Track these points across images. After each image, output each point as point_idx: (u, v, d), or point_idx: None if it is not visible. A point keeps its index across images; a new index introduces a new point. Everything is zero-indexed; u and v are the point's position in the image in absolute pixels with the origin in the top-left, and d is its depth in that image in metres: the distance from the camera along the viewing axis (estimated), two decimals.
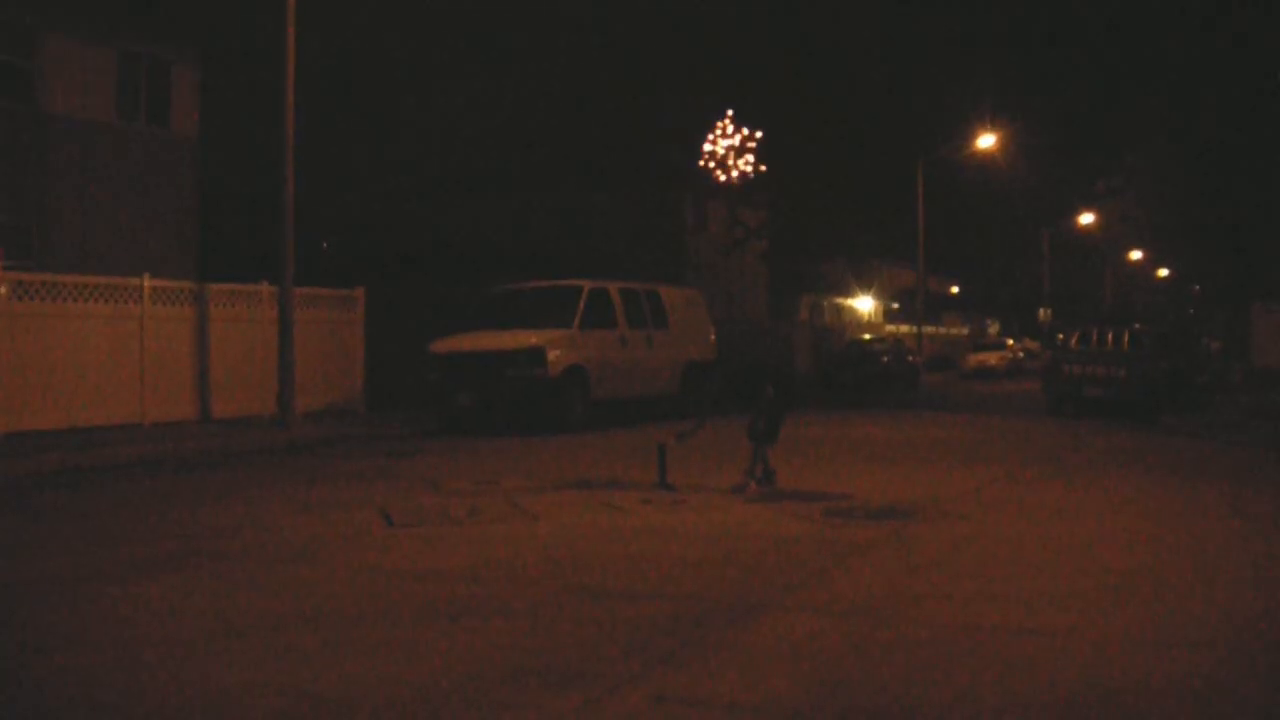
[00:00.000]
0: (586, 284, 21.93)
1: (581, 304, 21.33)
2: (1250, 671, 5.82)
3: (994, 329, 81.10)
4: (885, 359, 39.96)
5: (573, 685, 5.42)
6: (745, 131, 36.53)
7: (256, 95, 22.27)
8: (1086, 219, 69.45)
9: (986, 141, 45.89)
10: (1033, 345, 68.40)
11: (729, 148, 36.48)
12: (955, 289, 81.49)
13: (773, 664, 5.81)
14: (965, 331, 71.99)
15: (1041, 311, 70.33)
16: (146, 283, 20.08)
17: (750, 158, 36.58)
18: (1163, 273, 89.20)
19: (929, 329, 55.68)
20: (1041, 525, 10.13)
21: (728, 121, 36.52)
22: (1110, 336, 26.71)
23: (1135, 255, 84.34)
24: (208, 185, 26.29)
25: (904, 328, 57.16)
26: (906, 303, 59.98)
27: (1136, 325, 28.20)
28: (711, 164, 36.50)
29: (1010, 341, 62.20)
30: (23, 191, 22.95)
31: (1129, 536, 9.53)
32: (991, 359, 54.22)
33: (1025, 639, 6.30)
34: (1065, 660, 5.87)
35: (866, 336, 47.17)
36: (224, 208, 26.76)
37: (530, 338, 20.29)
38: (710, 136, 36.20)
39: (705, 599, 7.23)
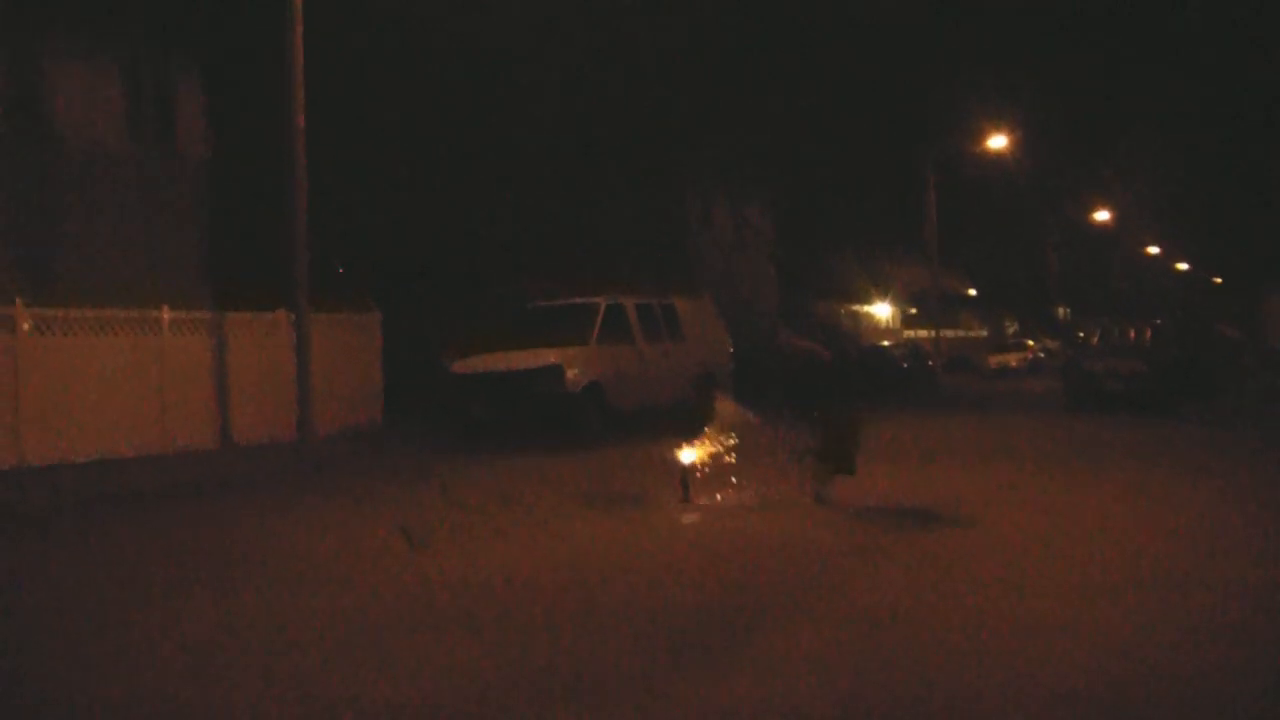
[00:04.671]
0: (603, 300, 21.99)
1: (598, 321, 21.39)
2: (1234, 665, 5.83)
3: (1012, 329, 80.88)
4: (905, 364, 39.90)
5: (595, 699, 5.45)
6: None
7: (269, 112, 22.34)
8: (1102, 215, 69.25)
9: (998, 142, 45.85)
10: (1053, 344, 68.20)
11: None
12: (972, 290, 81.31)
13: (798, 673, 5.84)
14: (984, 333, 71.80)
15: (1060, 310, 70.13)
16: (165, 315, 20.19)
17: None
18: (1182, 266, 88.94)
19: (947, 331, 55.57)
20: (1061, 521, 10.14)
21: None
22: (1132, 332, 26.80)
23: (1153, 250, 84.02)
24: (221, 206, 26.36)
25: (922, 332, 57.04)
26: (924, 306, 59.86)
27: (1158, 321, 28.19)
28: None
29: (1030, 342, 62.02)
30: (35, 219, 23.04)
31: (1145, 533, 9.53)
32: (1012, 360, 54.09)
33: (1045, 636, 6.31)
34: (1081, 655, 5.89)
35: (885, 342, 47.13)
36: (239, 229, 26.82)
37: (549, 356, 20.35)
38: None
39: (730, 609, 7.26)
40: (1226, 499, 11.39)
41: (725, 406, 21.54)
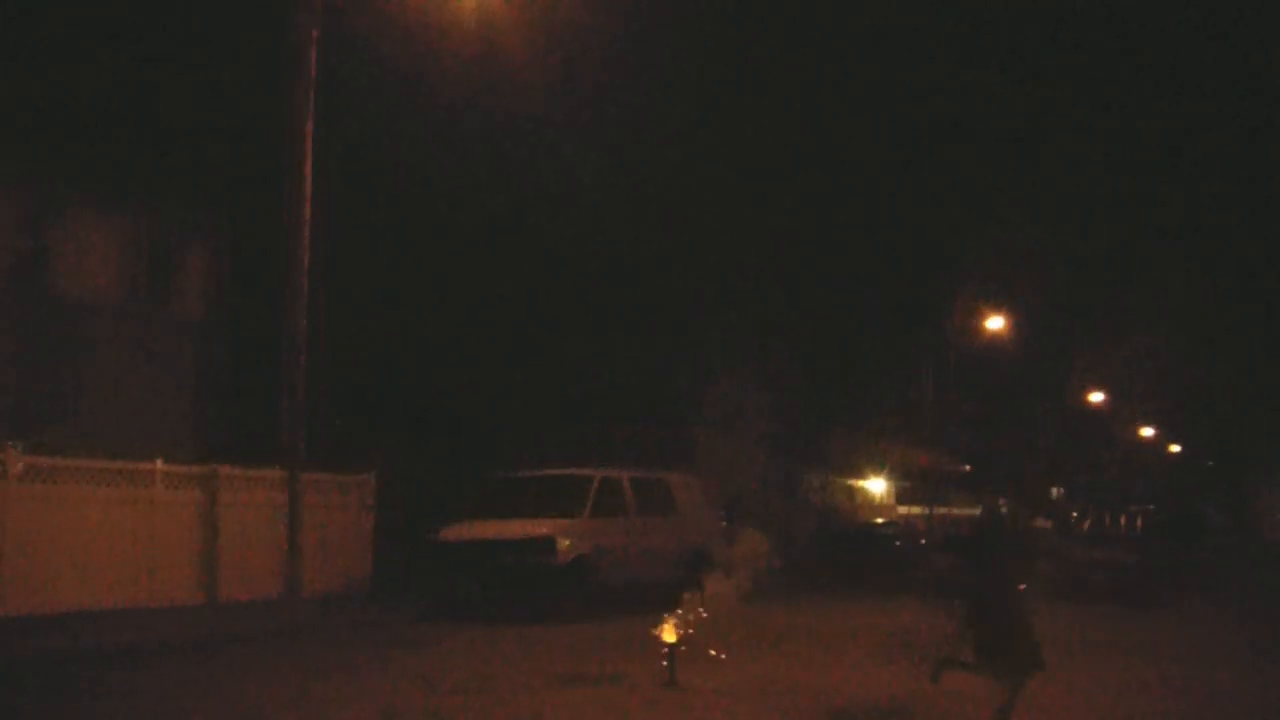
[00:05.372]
0: (597, 473, 22.05)
1: (593, 492, 21.40)
2: None
3: (1005, 508, 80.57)
4: (897, 542, 39.63)
5: None
6: None
7: (266, 266, 22.68)
8: (1096, 397, 69.64)
9: (995, 324, 46.41)
10: (1046, 524, 67.94)
11: None
12: (968, 467, 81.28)
13: None
14: (977, 511, 71.56)
15: (1054, 490, 70.11)
16: (159, 467, 20.19)
17: None
18: (1174, 448, 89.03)
19: (941, 509, 55.38)
20: None
21: None
22: (1123, 519, 26.90)
23: (1146, 432, 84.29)
24: (217, 363, 26.56)
25: (915, 508, 56.84)
26: (918, 482, 59.82)
27: (1150, 507, 28.30)
28: None
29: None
30: (30, 370, 23.19)
31: None
32: None
33: None
34: None
35: (879, 520, 46.93)
36: (234, 386, 26.98)
37: (541, 527, 20.30)
38: None
39: None
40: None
41: (717, 585, 21.49)
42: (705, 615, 13.10)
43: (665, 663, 12.19)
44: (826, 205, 44.39)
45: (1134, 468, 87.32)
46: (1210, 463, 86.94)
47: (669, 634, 12.24)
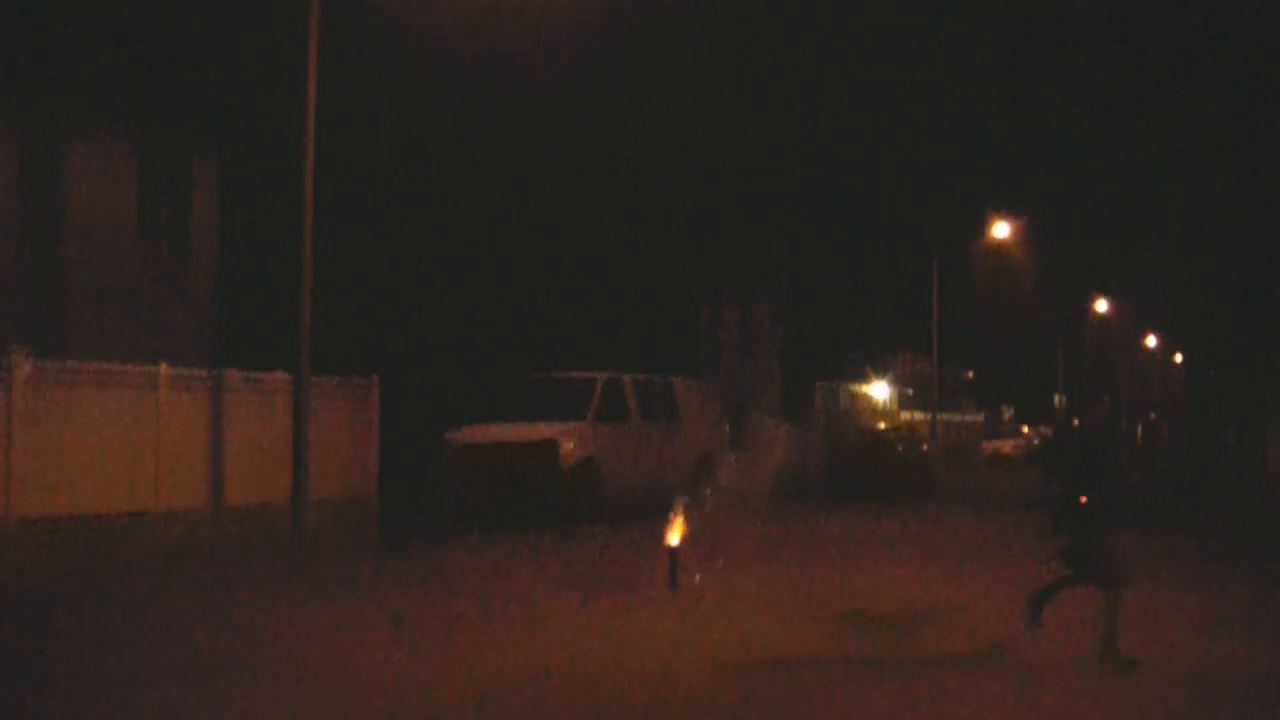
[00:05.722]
0: (602, 376, 22.01)
1: (597, 396, 21.38)
2: None
3: (1008, 415, 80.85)
4: (900, 448, 39.73)
5: None
6: None
7: (277, 176, 22.50)
8: (1101, 306, 69.47)
9: (1001, 231, 46.11)
10: (1047, 432, 68.10)
11: None
12: (970, 374, 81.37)
13: None
14: (980, 418, 71.76)
15: (1057, 398, 70.21)
16: (164, 371, 20.16)
17: None
18: (1178, 359, 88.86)
19: (943, 415, 55.51)
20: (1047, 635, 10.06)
21: None
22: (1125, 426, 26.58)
23: (1150, 342, 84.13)
24: (225, 269, 26.50)
25: (918, 414, 56.97)
26: (921, 388, 59.92)
27: (1152, 415, 28.05)
28: None
29: (1025, 429, 61.98)
30: (41, 281, 23.17)
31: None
32: (1006, 447, 54.10)
33: None
34: None
35: (881, 425, 47.01)
36: (242, 291, 26.93)
37: (546, 430, 20.33)
38: None
39: (712, 713, 7.21)
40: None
41: (722, 489, 21.59)
42: (707, 519, 13.19)
43: (669, 570, 12.27)
44: (837, 112, 43.91)
45: (1142, 375, 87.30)
46: (1212, 373, 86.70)
47: (670, 538, 12.29)
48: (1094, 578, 8.76)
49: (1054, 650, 9.03)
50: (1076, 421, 10.89)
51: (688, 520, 12.74)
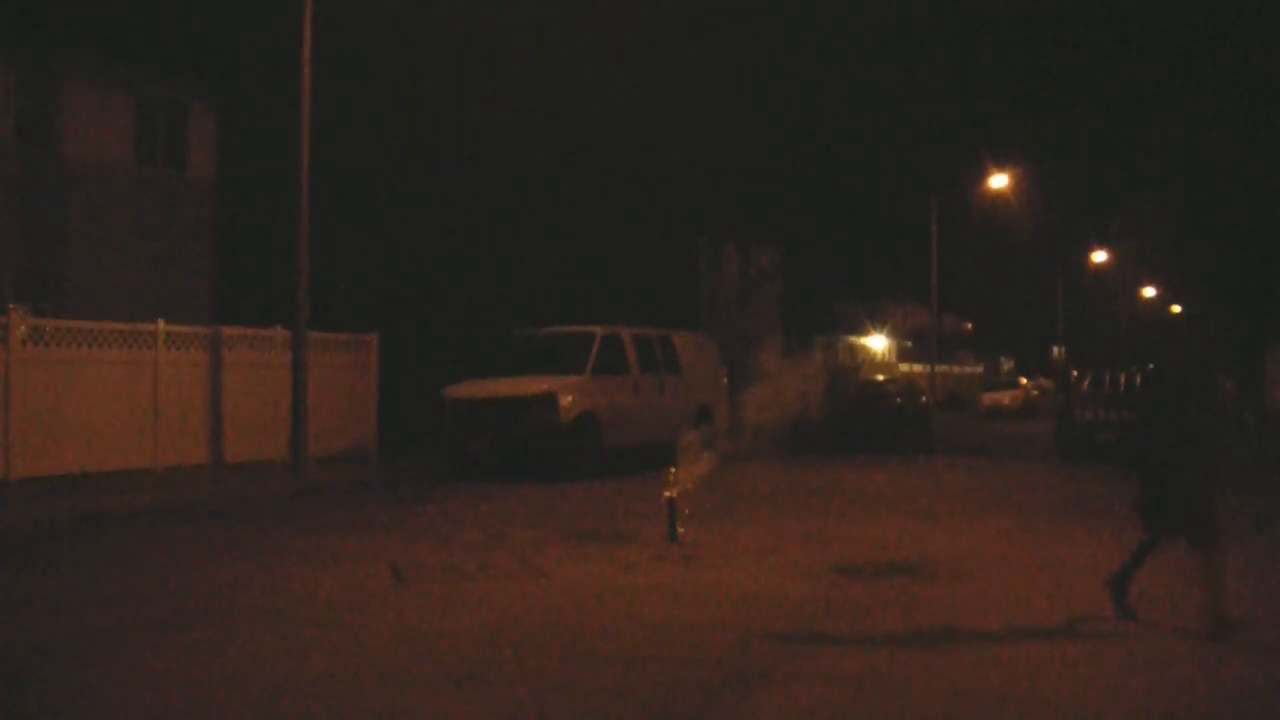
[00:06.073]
0: (599, 330, 21.98)
1: (594, 350, 21.36)
2: None
3: (1008, 367, 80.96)
4: (899, 399, 39.76)
5: None
6: None
7: (275, 133, 22.44)
8: (1100, 256, 69.37)
9: (999, 181, 45.95)
10: (1047, 384, 68.26)
11: None
12: (970, 325, 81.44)
13: None
14: (979, 369, 71.86)
15: (1055, 350, 70.30)
16: (161, 328, 20.18)
17: None
18: (1176, 309, 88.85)
19: (942, 367, 55.59)
20: (1048, 583, 10.11)
21: None
22: (1123, 379, 26.49)
23: (1149, 292, 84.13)
24: (224, 226, 26.47)
25: (917, 366, 57.07)
26: (920, 341, 59.97)
27: (1150, 365, 27.87)
28: None
29: (1024, 380, 62.04)
30: (40, 235, 23.17)
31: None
32: (1005, 398, 54.07)
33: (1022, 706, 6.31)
34: None
35: (880, 377, 47.06)
36: (240, 248, 26.91)
37: (543, 384, 20.33)
38: None
39: (711, 665, 7.24)
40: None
41: (719, 444, 21.58)
42: (706, 472, 13.18)
43: (668, 522, 12.31)
44: (837, 61, 43.74)
45: (1141, 326, 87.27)
46: (1211, 324, 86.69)
47: (669, 490, 12.32)
48: (1190, 534, 7.93)
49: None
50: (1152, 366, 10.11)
51: (693, 464, 12.80)
